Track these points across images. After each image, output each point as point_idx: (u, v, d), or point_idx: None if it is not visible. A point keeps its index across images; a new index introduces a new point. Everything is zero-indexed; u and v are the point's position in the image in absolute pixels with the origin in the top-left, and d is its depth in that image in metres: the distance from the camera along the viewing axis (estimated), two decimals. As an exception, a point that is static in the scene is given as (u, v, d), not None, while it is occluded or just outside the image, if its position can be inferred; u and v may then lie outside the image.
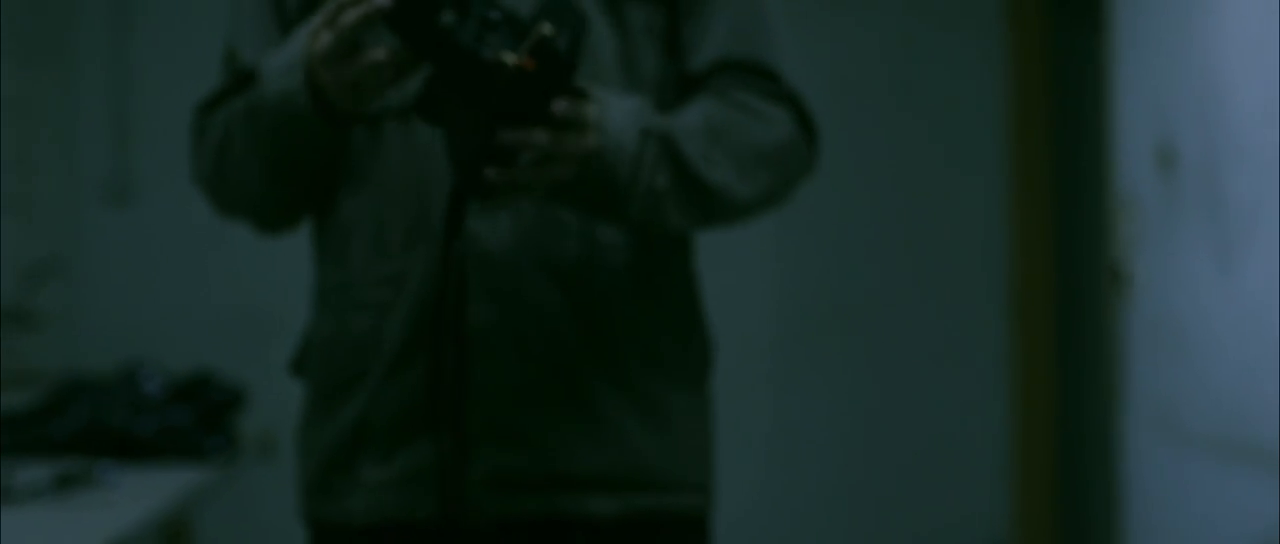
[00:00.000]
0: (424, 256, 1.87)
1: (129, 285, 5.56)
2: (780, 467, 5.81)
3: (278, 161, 1.86)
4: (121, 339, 5.35)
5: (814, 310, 5.84)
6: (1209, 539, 3.98)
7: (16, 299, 4.96)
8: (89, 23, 5.62)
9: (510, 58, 1.62)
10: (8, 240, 5.09)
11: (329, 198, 1.95)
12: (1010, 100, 5.81)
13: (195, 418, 3.52)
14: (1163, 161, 4.24)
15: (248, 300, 5.51)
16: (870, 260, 5.85)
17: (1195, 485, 4.05)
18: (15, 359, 4.95)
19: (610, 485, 1.90)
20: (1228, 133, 3.86)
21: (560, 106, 1.68)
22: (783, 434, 5.81)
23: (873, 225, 5.85)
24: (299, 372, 2.03)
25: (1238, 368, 3.79)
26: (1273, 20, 3.60)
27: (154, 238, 5.57)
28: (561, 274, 1.88)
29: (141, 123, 5.60)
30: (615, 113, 1.78)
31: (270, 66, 1.81)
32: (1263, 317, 3.65)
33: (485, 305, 1.86)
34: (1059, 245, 5.80)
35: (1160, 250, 4.28)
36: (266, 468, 4.16)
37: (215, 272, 5.50)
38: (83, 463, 3.27)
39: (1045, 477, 5.79)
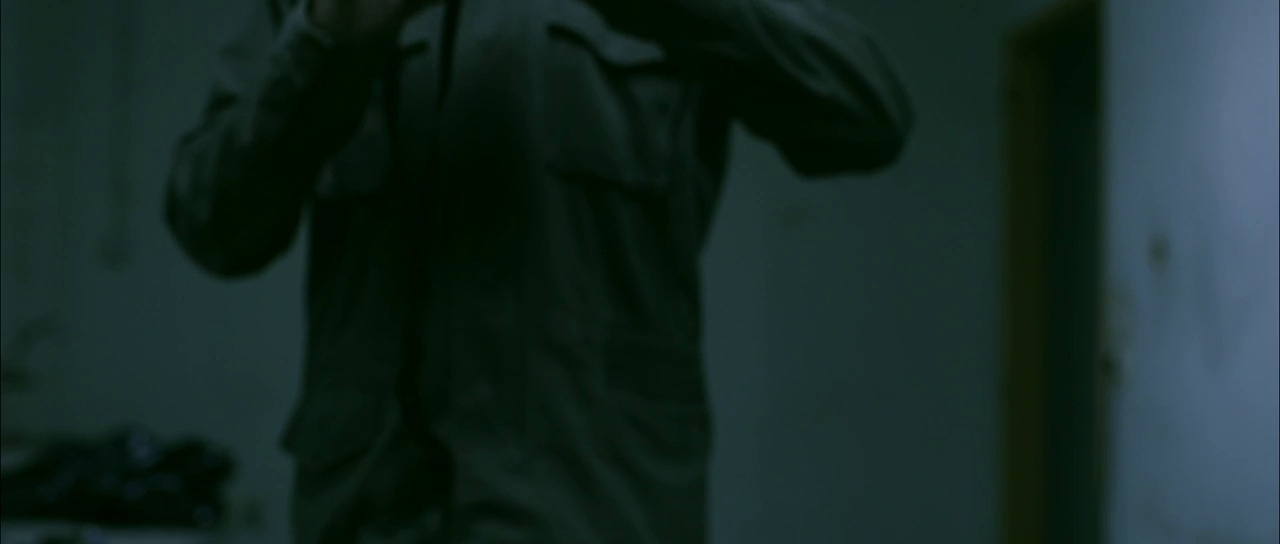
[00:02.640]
0: (427, 334, 1.88)
1: (122, 347, 5.56)
2: (768, 547, 5.80)
3: (292, 118, 1.80)
4: (112, 401, 5.35)
5: (805, 392, 5.85)
6: (1194, 633, 3.98)
7: (10, 358, 4.96)
8: (90, 83, 5.64)
9: None
10: (4, 298, 5.09)
11: (292, 229, 1.94)
12: (1006, 185, 5.84)
13: (183, 485, 3.52)
14: (1155, 254, 4.26)
15: (240, 367, 5.51)
16: (862, 343, 5.86)
17: (1181, 578, 4.05)
18: (5, 419, 4.95)
19: None
20: (1220, 228, 3.87)
21: None
22: (771, 516, 5.81)
23: (865, 308, 5.86)
24: (290, 447, 2.03)
25: (1225, 461, 3.80)
26: (1265, 117, 3.62)
27: (149, 300, 5.58)
28: (562, 352, 1.90)
29: (140, 184, 5.61)
30: None
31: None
32: (1251, 411, 3.66)
33: (485, 383, 1.87)
34: (1050, 333, 5.82)
35: (1151, 342, 4.29)
36: (253, 536, 4.16)
37: (209, 337, 5.50)
38: (70, 527, 3.26)
39: (1032, 565, 5.78)
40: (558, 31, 1.89)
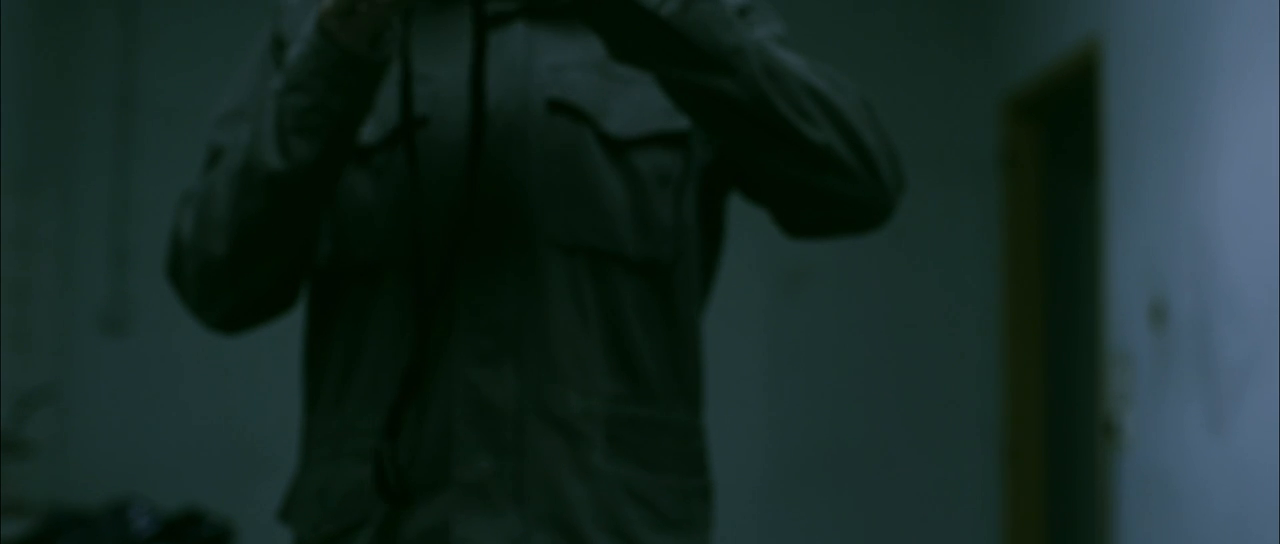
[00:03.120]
0: (427, 407, 1.87)
1: (122, 416, 5.55)
2: (769, 612, 5.78)
3: (329, 139, 1.82)
4: (112, 470, 5.34)
5: (805, 456, 5.83)
6: None
7: (10, 428, 4.95)
8: (89, 152, 5.65)
9: None
10: (4, 367, 5.08)
11: (298, 278, 1.94)
12: (1004, 248, 5.84)
13: (183, 555, 3.50)
14: (1155, 317, 4.25)
15: (240, 435, 5.50)
16: (862, 407, 5.85)
17: (1185, 642, 4.03)
18: (5, 489, 4.93)
19: None
20: (1219, 291, 3.87)
21: None
22: (773, 579, 5.79)
23: (865, 372, 5.85)
24: (288, 519, 2.02)
25: (1226, 525, 3.79)
26: (1263, 180, 3.63)
27: (149, 369, 5.57)
28: (563, 425, 1.89)
29: (140, 253, 5.61)
30: None
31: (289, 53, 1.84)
32: (1252, 475, 3.65)
33: (485, 455, 1.87)
34: (1051, 396, 5.80)
35: (1151, 405, 4.29)
36: (253, 604, 4.14)
37: (209, 405, 5.49)
38: (69, 598, 3.25)
39: (1035, 629, 5.75)
40: (558, 106, 1.89)
